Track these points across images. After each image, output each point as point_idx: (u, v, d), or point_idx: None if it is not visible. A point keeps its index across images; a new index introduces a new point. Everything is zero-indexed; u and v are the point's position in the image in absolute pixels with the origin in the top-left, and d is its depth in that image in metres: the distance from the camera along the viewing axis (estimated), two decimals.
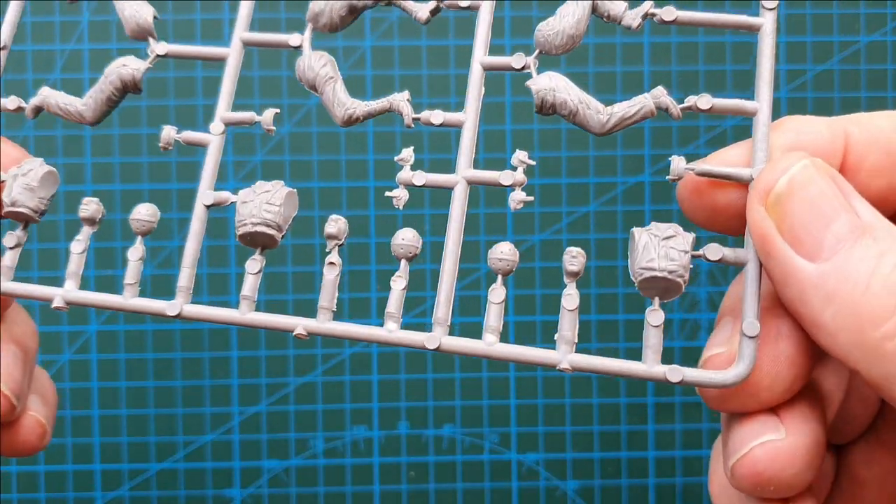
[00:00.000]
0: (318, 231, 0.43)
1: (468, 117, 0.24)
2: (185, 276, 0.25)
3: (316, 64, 0.24)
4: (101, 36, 0.43)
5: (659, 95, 0.22)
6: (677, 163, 0.22)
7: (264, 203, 0.24)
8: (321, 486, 0.43)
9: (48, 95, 0.26)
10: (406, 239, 0.24)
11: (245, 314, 0.24)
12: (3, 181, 0.25)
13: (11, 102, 0.26)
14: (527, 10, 0.43)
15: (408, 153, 0.24)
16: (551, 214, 0.43)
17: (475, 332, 0.23)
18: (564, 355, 0.22)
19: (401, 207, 0.24)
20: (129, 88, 0.25)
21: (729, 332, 0.23)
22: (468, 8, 0.24)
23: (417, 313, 0.43)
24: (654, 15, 0.23)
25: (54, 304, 0.25)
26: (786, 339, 0.22)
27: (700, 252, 0.22)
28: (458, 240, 0.23)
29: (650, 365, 0.21)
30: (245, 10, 0.26)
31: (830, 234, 0.20)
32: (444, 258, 0.23)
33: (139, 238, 0.25)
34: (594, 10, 0.23)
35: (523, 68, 0.23)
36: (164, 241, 0.42)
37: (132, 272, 0.25)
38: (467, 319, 0.41)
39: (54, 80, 0.42)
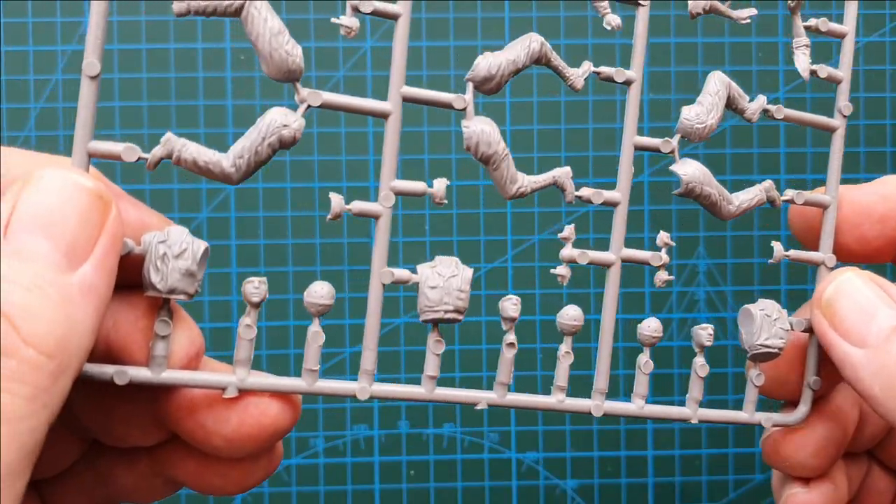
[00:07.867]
0: (318, 232, 0.43)
1: (622, 196, 0.26)
2: (369, 360, 0.24)
3: (494, 139, 0.24)
4: None
5: (769, 189, 0.27)
6: (779, 249, 0.27)
7: (455, 290, 0.24)
8: (322, 485, 0.43)
9: (181, 149, 0.22)
10: (575, 319, 0.26)
11: (433, 392, 0.25)
12: (130, 252, 0.21)
13: (129, 153, 0.21)
14: (526, 11, 0.43)
15: (570, 231, 0.26)
16: (551, 214, 0.43)
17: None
18: (695, 412, 0.27)
19: (565, 284, 0.26)
20: (285, 147, 0.23)
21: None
22: (624, 83, 0.25)
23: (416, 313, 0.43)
24: (767, 110, 0.27)
25: (226, 395, 0.23)
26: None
27: (791, 320, 0.27)
28: (612, 316, 0.26)
29: (750, 414, 0.28)
30: (400, 59, 0.23)
31: (874, 326, 0.25)
32: (602, 335, 0.26)
33: (316, 319, 0.24)
34: (728, 103, 0.26)
35: (671, 152, 0.26)
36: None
37: (313, 357, 0.24)
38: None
39: (55, 80, 0.42)
